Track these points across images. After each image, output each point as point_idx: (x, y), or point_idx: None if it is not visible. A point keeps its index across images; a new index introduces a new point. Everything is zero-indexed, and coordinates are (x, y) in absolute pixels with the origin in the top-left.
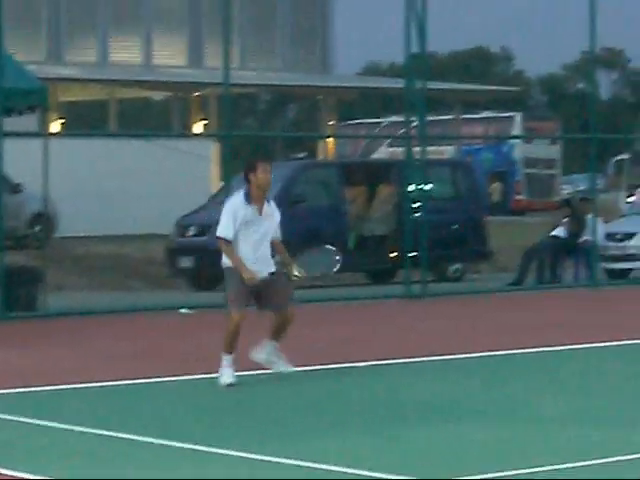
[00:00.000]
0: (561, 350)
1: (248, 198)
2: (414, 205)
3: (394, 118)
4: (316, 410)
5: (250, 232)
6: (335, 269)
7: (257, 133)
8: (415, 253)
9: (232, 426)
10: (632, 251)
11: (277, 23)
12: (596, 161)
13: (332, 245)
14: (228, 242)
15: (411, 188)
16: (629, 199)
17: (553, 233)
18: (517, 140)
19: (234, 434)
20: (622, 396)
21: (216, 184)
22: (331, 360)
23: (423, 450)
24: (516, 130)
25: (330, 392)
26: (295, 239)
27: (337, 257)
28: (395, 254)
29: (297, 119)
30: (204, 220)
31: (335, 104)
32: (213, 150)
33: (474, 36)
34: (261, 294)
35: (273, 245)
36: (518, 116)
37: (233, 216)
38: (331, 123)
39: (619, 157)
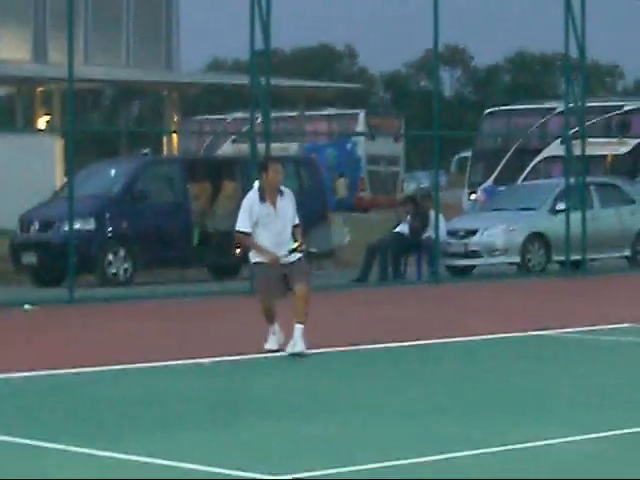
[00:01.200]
0: (398, 347)
1: (262, 195)
2: None
3: (238, 114)
4: (157, 407)
5: (268, 226)
6: (346, 241)
7: (101, 128)
8: None
9: (60, 423)
10: (474, 248)
11: (122, 18)
12: (439, 158)
13: (174, 242)
14: (247, 234)
15: (256, 185)
16: (471, 196)
17: (396, 230)
18: (361, 137)
19: (62, 430)
20: (461, 393)
21: (60, 179)
22: (161, 356)
23: (254, 446)
24: (360, 127)
25: (169, 390)
26: (137, 235)
27: (346, 230)
28: (239, 250)
29: (142, 115)
30: (48, 215)
31: (179, 100)
32: (57, 145)
33: (318, 32)
34: (287, 278)
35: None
36: (362, 113)
37: (249, 211)
38: (175, 119)
39: (461, 155)
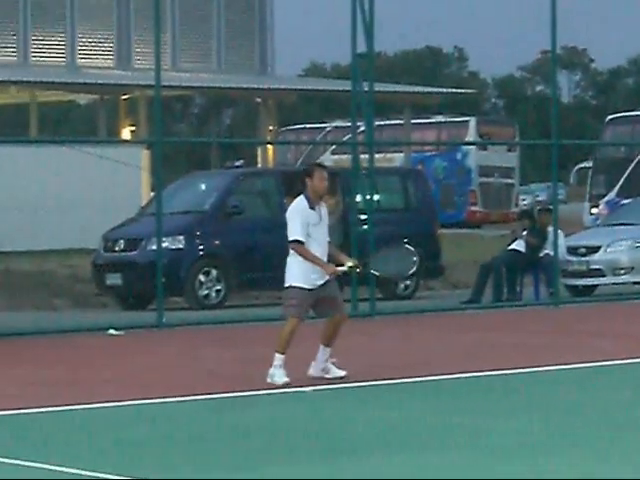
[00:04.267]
0: (519, 373)
1: (310, 202)
2: (361, 217)
3: (339, 123)
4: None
5: (316, 235)
6: (412, 271)
7: (190, 139)
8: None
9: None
10: (596, 266)
11: (212, 21)
12: (557, 169)
13: (270, 261)
14: (301, 243)
15: (358, 199)
16: (593, 210)
17: (511, 247)
18: (472, 147)
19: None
20: (601, 424)
21: (147, 194)
22: (255, 385)
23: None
24: (471, 136)
25: (266, 419)
26: (231, 253)
27: (415, 258)
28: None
29: (234, 124)
30: (134, 233)
31: (275, 108)
32: (143, 157)
33: (425, 35)
34: (319, 300)
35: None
36: (473, 121)
37: (301, 219)
38: (271, 128)
39: (582, 165)
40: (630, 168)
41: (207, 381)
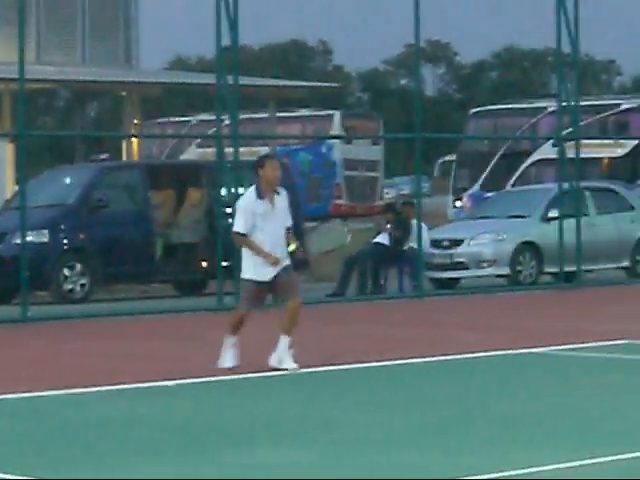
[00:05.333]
0: (376, 367)
1: (259, 193)
2: (227, 210)
3: (204, 116)
4: (115, 432)
5: (265, 225)
6: (347, 241)
7: (55, 133)
8: (228, 262)
9: (10, 451)
10: (460, 259)
11: (76, 14)
12: (421, 163)
13: (135, 255)
14: (244, 236)
15: (223, 192)
16: (456, 203)
17: (376, 240)
18: (336, 140)
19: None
20: (443, 416)
21: (11, 188)
22: (121, 379)
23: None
24: (335, 130)
25: (128, 414)
26: (96, 247)
27: (346, 229)
28: (206, 263)
29: (99, 117)
30: None
31: (140, 101)
32: (7, 151)
33: (290, 28)
34: (276, 285)
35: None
36: (337, 114)
37: (247, 212)
38: (136, 122)
39: (445, 158)
40: (493, 162)
41: (72, 375)
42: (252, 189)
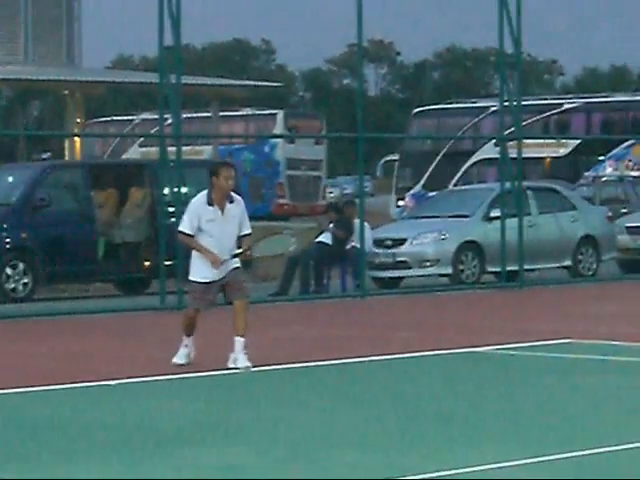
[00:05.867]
0: (315, 366)
1: (210, 199)
2: (170, 209)
3: (147, 115)
4: (50, 433)
5: (212, 231)
6: (291, 248)
7: None
8: (171, 262)
9: None
10: (402, 258)
11: (19, 12)
12: (363, 162)
13: (77, 254)
14: (188, 235)
15: (166, 191)
16: (399, 203)
17: (318, 239)
18: (279, 140)
19: None
20: (386, 416)
21: None
22: (62, 378)
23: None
24: (278, 129)
25: (68, 414)
26: (39, 246)
27: (293, 239)
28: (149, 263)
29: (41, 116)
30: None
31: (83, 100)
32: None
33: (233, 27)
34: (224, 287)
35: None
36: (280, 114)
37: (193, 214)
38: (78, 121)
39: (388, 158)
40: (436, 161)
41: (12, 375)
42: (204, 193)
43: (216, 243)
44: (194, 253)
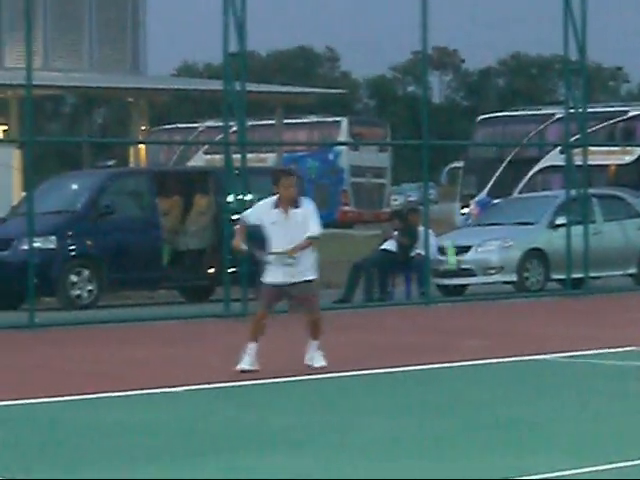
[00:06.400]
0: (390, 372)
1: (276, 203)
2: (234, 217)
3: (211, 123)
4: (122, 439)
5: (275, 233)
6: None
7: (62, 139)
8: (235, 269)
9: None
10: (467, 266)
11: (84, 19)
12: (428, 169)
13: (142, 261)
14: (242, 223)
15: (230, 199)
16: (463, 210)
17: (383, 247)
18: (343, 147)
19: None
20: (456, 423)
21: (18, 194)
22: (129, 385)
23: None
24: (342, 136)
25: (136, 420)
26: (103, 253)
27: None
28: (213, 270)
29: (106, 123)
30: (5, 233)
31: (147, 107)
32: (15, 157)
33: (297, 35)
34: (294, 295)
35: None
36: (344, 121)
37: (257, 209)
38: (143, 128)
39: (453, 165)
40: (500, 168)
41: (79, 381)
42: (274, 197)
43: (280, 246)
44: (269, 257)
